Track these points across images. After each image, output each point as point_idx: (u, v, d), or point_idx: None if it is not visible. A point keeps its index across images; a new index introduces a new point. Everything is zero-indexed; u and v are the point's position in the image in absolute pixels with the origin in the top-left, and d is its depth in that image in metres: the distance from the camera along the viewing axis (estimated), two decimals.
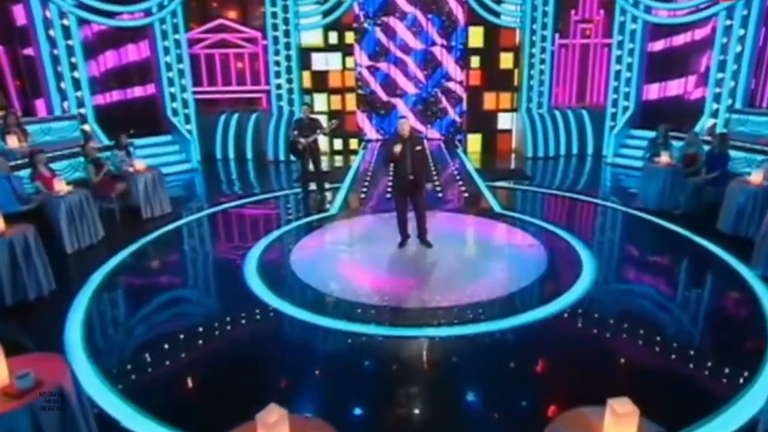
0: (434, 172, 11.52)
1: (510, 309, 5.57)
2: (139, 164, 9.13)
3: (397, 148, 6.73)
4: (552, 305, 5.61)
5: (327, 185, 10.67)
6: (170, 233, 8.34)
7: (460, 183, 11.27)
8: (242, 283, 6.31)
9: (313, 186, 10.23)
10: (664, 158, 9.05)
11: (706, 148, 9.18)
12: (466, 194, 10.40)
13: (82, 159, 9.19)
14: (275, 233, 8.15)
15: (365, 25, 15.15)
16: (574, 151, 14.19)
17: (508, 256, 7.37)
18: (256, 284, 6.24)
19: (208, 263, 7.36)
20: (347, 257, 7.45)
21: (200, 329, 5.19)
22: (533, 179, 11.78)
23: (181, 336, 5.06)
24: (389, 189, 7.35)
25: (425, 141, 7.29)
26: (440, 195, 10.21)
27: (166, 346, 4.87)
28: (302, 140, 9.55)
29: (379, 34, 15.31)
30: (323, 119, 11.42)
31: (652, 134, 10.32)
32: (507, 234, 8.34)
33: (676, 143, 9.83)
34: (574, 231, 8.04)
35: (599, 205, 9.72)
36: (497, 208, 9.34)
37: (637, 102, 13.32)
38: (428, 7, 15.03)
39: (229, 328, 5.26)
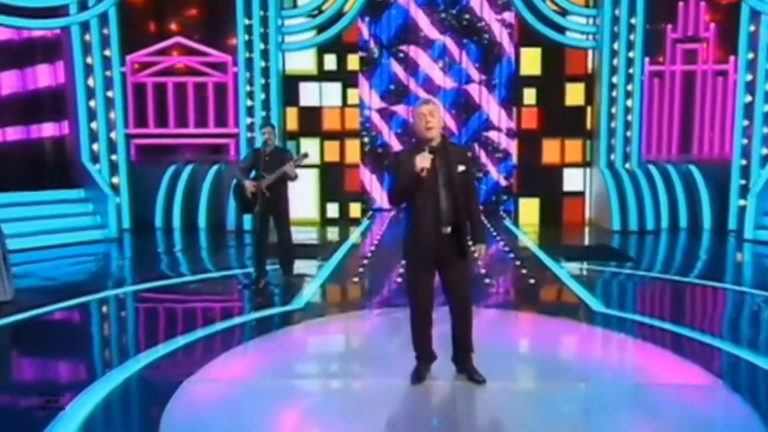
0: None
1: None
2: None
3: (423, 161, 3.42)
4: None
5: (312, 266, 7.44)
6: None
7: (518, 263, 7.66)
8: None
9: (274, 264, 6.71)
10: None
11: None
12: (532, 280, 6.74)
13: None
14: (172, 344, 4.53)
15: (377, 55, 12.83)
16: (683, 223, 10.70)
17: (659, 415, 3.42)
18: None
19: None
20: (303, 410, 3.66)
21: None
22: (635, 261, 8.13)
23: None
24: (402, 261, 3.87)
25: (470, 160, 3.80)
26: (486, 279, 6.63)
27: None
28: (248, 183, 6.16)
29: (396, 68, 13.03)
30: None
31: None
32: (636, 358, 4.55)
33: None
34: None
35: None
36: (595, 306, 5.61)
37: None
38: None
39: None
